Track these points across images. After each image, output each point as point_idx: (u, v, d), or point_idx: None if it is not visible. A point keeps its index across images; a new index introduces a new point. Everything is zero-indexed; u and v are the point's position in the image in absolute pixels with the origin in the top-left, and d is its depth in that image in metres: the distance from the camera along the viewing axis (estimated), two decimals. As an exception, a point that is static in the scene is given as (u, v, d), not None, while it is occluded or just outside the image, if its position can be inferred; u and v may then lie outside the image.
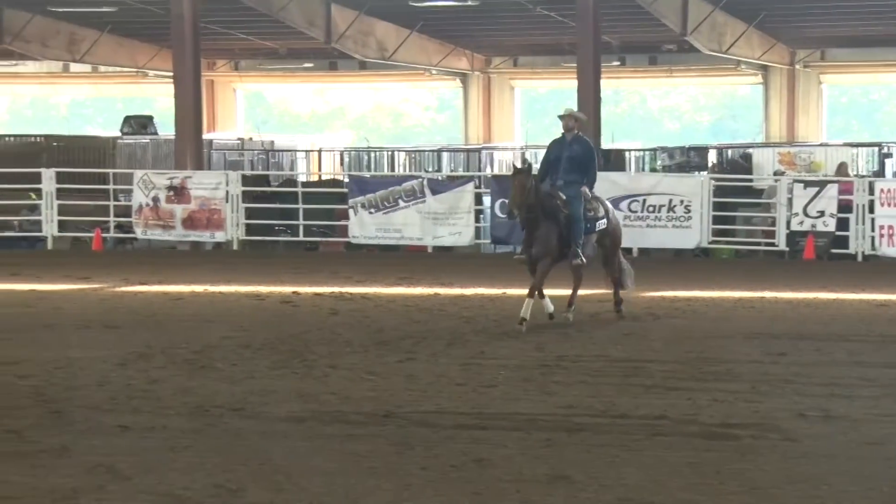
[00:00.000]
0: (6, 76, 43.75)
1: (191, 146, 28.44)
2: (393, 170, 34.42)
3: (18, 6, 35.91)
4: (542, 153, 37.68)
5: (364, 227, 27.04)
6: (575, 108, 15.88)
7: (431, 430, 9.49)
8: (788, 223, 25.32)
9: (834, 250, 25.29)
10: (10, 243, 29.19)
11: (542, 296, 15.03)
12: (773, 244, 25.79)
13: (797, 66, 39.07)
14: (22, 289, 19.57)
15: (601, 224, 15.49)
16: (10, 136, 34.62)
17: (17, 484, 7.99)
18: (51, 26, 37.48)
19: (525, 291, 14.98)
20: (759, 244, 26.61)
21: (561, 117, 15.58)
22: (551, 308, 15.24)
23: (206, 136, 32.61)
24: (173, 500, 7.68)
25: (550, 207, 14.88)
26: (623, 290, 16.13)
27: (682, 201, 25.61)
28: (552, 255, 14.93)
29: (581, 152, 15.32)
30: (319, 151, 37.36)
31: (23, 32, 36.60)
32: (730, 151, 33.72)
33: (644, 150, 34.33)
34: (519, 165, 15.66)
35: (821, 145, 35.37)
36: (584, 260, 15.18)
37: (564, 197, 15.01)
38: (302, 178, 33.77)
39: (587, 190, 15.22)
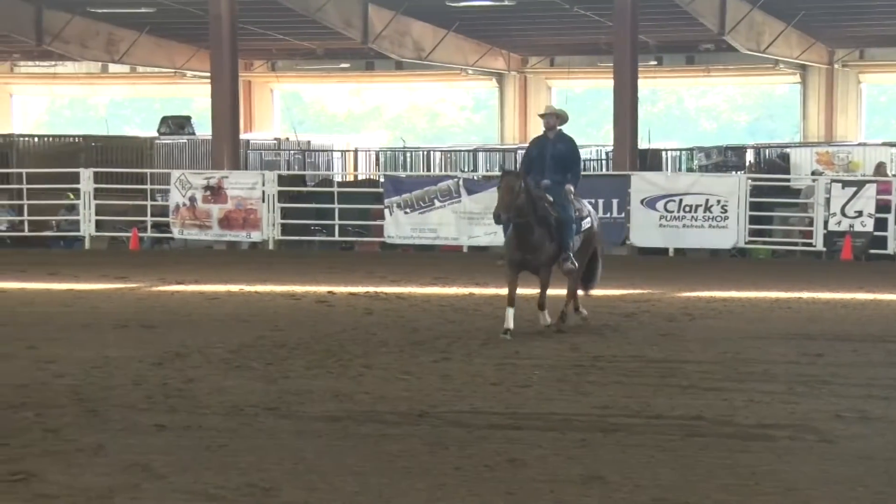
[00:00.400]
0: (46, 77, 44.10)
1: (228, 146, 28.57)
2: (428, 170, 34.48)
3: (58, 7, 36.17)
4: (583, 153, 37.78)
5: (399, 226, 27.08)
6: (556, 106, 15.37)
7: (466, 430, 9.48)
8: (826, 223, 25.18)
9: (872, 251, 25.13)
10: (48, 243, 29.42)
11: (512, 304, 14.12)
12: (810, 244, 25.65)
13: (836, 66, 38.89)
14: (60, 288, 19.69)
15: (586, 223, 14.97)
16: (48, 136, 34.86)
17: (53, 482, 8.04)
18: (90, 27, 37.74)
19: (525, 296, 14.83)
20: (796, 244, 26.48)
21: (542, 116, 15.05)
22: (548, 320, 14.60)
23: (242, 136, 32.77)
24: (208, 499, 7.71)
25: (543, 211, 14.27)
26: (588, 293, 15.52)
27: (718, 201, 25.52)
28: (552, 262, 14.43)
29: (566, 151, 14.81)
30: (355, 151, 37.45)
31: (62, 33, 36.88)
32: (767, 151, 33.58)
33: (681, 149, 34.24)
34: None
35: (859, 145, 35.19)
36: (576, 264, 14.59)
37: (552, 199, 14.43)
38: (338, 178, 33.85)
39: (571, 188, 14.69)
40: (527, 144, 41.33)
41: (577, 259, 14.61)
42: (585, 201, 15.61)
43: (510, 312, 14.07)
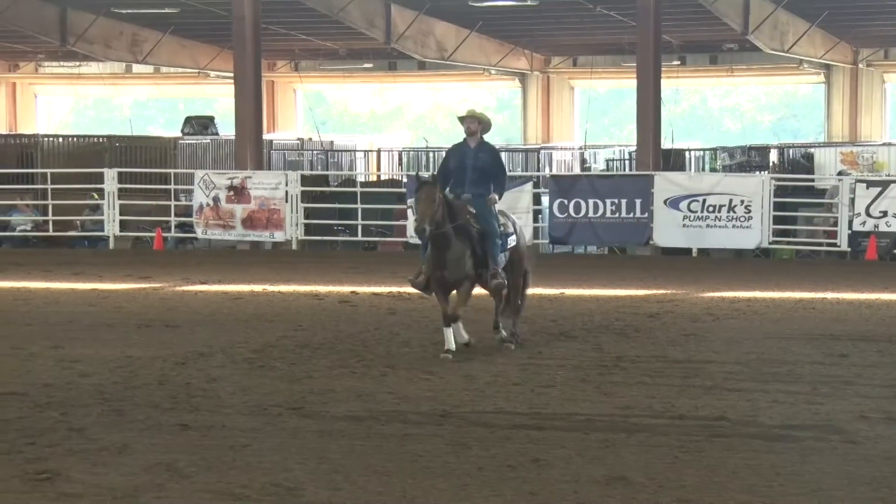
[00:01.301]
0: (70, 77, 44.25)
1: (251, 146, 28.61)
2: (451, 170, 34.37)
3: (82, 8, 36.30)
4: (601, 153, 37.61)
5: (422, 226, 27.02)
6: (477, 109, 13.73)
7: (488, 430, 9.49)
8: (850, 223, 25.08)
9: (896, 251, 25.04)
10: (72, 243, 29.53)
11: (455, 320, 13.11)
12: (834, 245, 25.55)
13: (860, 65, 38.74)
14: (84, 288, 19.77)
15: (511, 241, 13.61)
16: (73, 136, 34.98)
17: (78, 481, 8.08)
18: (114, 27, 37.87)
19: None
20: (820, 245, 26.38)
21: (462, 119, 13.54)
22: (466, 337, 13.33)
23: (266, 136, 32.81)
24: (232, 499, 7.73)
25: (462, 223, 12.97)
26: (507, 321, 13.78)
27: (742, 201, 25.43)
28: (471, 278, 13.13)
29: (489, 161, 13.40)
30: (378, 151, 37.45)
31: (86, 34, 37.00)
32: (791, 151, 33.45)
33: (704, 149, 34.15)
34: (426, 176, 13.38)
35: (884, 144, 35.02)
36: (505, 280, 13.39)
37: (474, 210, 13.19)
38: (361, 178, 33.87)
39: (496, 197, 13.32)
40: (549, 144, 41.07)
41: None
42: (512, 215, 14.30)
43: (448, 333, 12.97)
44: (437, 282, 13.13)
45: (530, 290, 14.55)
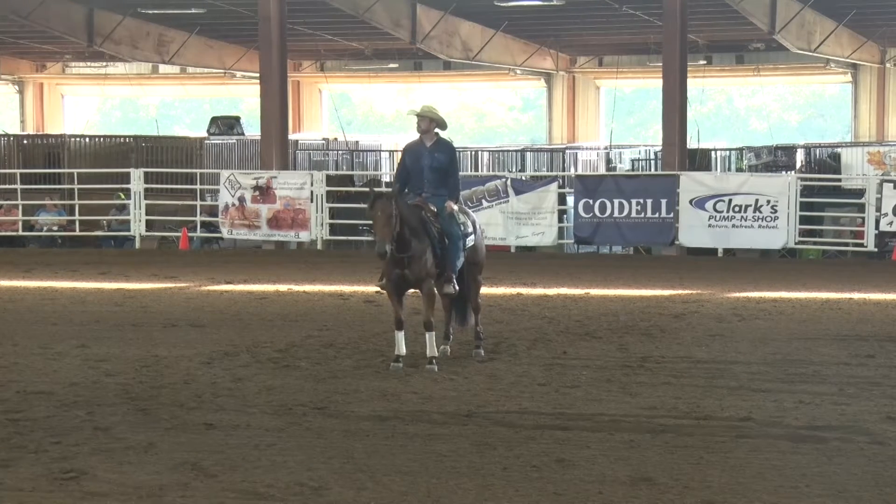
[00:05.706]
0: (97, 77, 44.45)
1: (276, 146, 28.67)
2: (476, 170, 34.43)
3: (109, 8, 36.44)
4: (626, 153, 37.53)
5: (447, 226, 27.03)
6: (434, 106, 12.99)
7: (513, 430, 9.48)
8: (877, 224, 24.98)
9: (924, 251, 24.90)
10: (99, 242, 29.65)
11: (431, 329, 12.44)
12: (861, 245, 25.45)
13: (887, 65, 38.56)
14: (110, 287, 19.86)
15: (469, 241, 13.01)
16: (99, 136, 35.13)
17: (104, 480, 8.11)
18: (140, 28, 38.02)
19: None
20: (847, 245, 26.27)
21: (416, 114, 12.82)
22: (440, 349, 12.84)
23: (291, 136, 32.87)
24: (257, 498, 7.75)
25: (420, 221, 12.42)
26: (462, 327, 13.35)
27: (768, 201, 25.36)
28: (433, 276, 12.53)
29: (446, 161, 12.80)
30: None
31: (113, 34, 37.16)
32: (818, 151, 33.34)
33: (730, 149, 34.07)
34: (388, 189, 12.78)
35: (912, 144, 34.83)
36: (457, 288, 12.73)
37: (434, 209, 12.63)
38: (386, 178, 33.88)
39: (453, 204, 12.74)
40: (574, 144, 40.98)
41: (459, 282, 12.81)
42: (471, 212, 13.78)
43: (399, 336, 12.37)
44: (396, 282, 12.46)
45: (483, 289, 13.99)
